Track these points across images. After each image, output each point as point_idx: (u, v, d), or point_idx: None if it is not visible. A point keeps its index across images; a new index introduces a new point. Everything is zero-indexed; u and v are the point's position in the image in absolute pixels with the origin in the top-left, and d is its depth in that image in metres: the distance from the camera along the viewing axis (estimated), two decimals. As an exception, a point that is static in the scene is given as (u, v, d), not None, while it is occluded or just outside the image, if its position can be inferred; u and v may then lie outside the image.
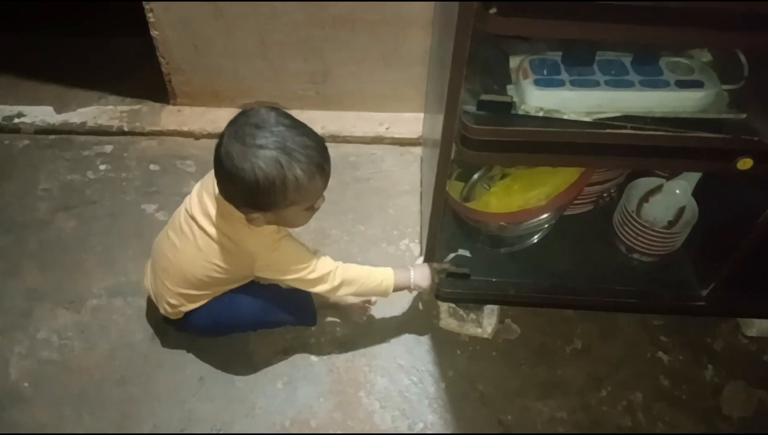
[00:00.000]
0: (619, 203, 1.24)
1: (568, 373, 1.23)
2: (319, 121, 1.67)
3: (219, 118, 1.68)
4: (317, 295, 1.14)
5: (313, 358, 1.24)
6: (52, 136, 1.68)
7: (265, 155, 0.88)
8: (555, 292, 1.21)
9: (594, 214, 1.29)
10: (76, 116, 1.70)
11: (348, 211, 1.51)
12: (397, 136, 1.65)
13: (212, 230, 1.04)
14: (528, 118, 0.89)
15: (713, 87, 0.88)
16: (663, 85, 0.88)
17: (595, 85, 0.88)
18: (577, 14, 0.73)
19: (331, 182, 1.56)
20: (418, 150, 1.65)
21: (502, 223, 1.20)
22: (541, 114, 0.88)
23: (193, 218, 1.06)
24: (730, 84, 0.91)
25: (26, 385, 1.20)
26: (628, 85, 0.88)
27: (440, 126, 0.92)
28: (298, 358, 1.23)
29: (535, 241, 1.24)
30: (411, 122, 1.66)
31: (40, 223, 1.48)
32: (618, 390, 1.21)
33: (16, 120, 1.68)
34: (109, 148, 1.66)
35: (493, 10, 0.73)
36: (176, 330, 1.20)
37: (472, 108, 0.89)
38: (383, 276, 1.12)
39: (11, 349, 1.25)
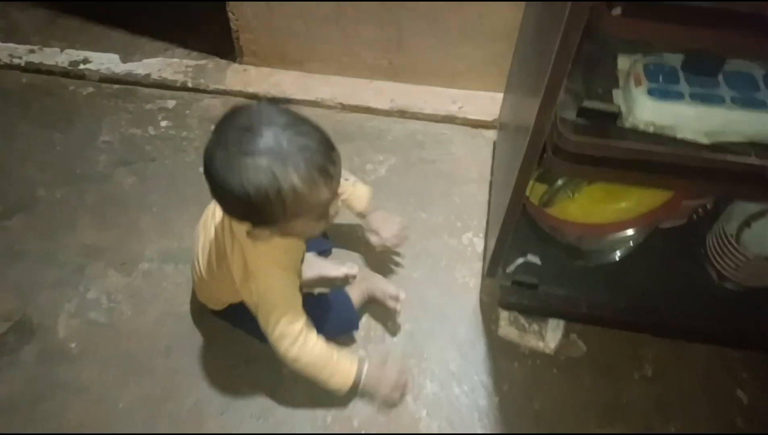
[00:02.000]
0: (716, 224, 1.10)
1: (634, 401, 1.13)
2: (388, 93, 1.58)
3: (284, 81, 1.60)
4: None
5: (361, 352, 1.18)
6: (116, 86, 1.65)
7: (254, 164, 0.74)
8: (631, 313, 1.11)
9: (686, 230, 1.16)
10: (141, 67, 1.66)
11: (410, 195, 1.42)
12: (470, 116, 1.54)
13: (215, 231, 0.97)
14: (634, 132, 0.77)
15: None
16: (804, 108, 0.74)
17: (719, 101, 0.75)
18: (718, 21, 0.60)
19: (395, 161, 1.50)
20: (491, 133, 1.54)
21: (581, 234, 1.09)
22: (651, 129, 0.76)
23: (213, 213, 1.00)
24: None
25: (73, 345, 1.19)
26: (758, 105, 0.75)
27: (528, 119, 0.81)
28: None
29: (617, 258, 1.12)
30: (486, 102, 1.54)
31: (100, 176, 1.46)
32: (686, 426, 1.11)
33: (82, 66, 1.65)
34: (171, 104, 1.61)
35: (617, 11, 0.61)
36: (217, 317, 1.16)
37: (570, 114, 0.78)
38: (341, 375, 0.97)
39: (61, 305, 1.24)
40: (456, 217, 1.38)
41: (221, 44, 1.63)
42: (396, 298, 1.14)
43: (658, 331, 1.15)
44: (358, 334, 1.20)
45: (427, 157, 1.50)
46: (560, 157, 0.79)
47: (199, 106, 1.61)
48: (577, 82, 0.80)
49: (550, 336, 1.18)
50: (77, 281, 1.28)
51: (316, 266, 1.16)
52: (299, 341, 0.92)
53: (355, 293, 1.15)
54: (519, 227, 1.17)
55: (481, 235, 1.35)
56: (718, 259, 1.09)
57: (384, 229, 1.17)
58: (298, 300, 0.94)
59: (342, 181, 1.03)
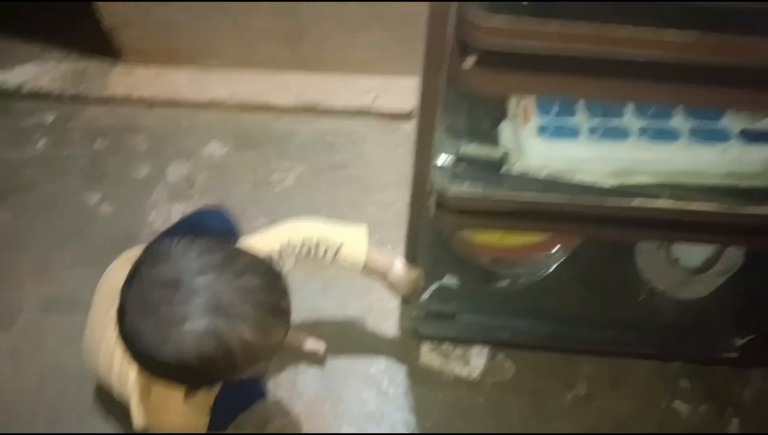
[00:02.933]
0: (645, 232, 0.99)
1: (566, 428, 1.05)
2: (295, 87, 1.42)
3: (177, 81, 1.43)
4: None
5: (269, 402, 1.07)
6: (-11, 100, 1.45)
7: (192, 329, 0.60)
8: (558, 337, 1.01)
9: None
10: (13, 76, 1.46)
11: (319, 208, 1.27)
12: (385, 109, 1.39)
13: None
14: (525, 178, 0.64)
15: (793, 141, 0.62)
16: (721, 137, 0.62)
17: (623, 136, 0.62)
18: (602, 70, 0.47)
19: (302, 168, 1.35)
20: (409, 127, 1.39)
21: (496, 257, 0.98)
22: (544, 174, 0.64)
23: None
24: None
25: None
26: (670, 136, 0.63)
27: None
28: (253, 401, 1.06)
29: (541, 278, 1.02)
30: (404, 90, 1.39)
31: (-27, 213, 1.29)
32: (623, 447, 1.03)
33: (-54, 80, 1.45)
34: (51, 117, 1.43)
35: (468, 63, 0.47)
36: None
37: (450, 160, 0.65)
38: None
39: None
40: (372, 229, 1.23)
41: (101, 44, 1.43)
42: (314, 352, 1.06)
43: (589, 351, 1.05)
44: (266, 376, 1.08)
45: (338, 161, 1.35)
46: (444, 211, 0.66)
47: (82, 118, 1.42)
48: (460, 117, 0.67)
49: (475, 361, 1.08)
50: (-47, 342, 1.13)
51: None
52: None
53: None
54: (433, 246, 1.06)
55: (401, 247, 1.22)
56: (648, 269, 0.99)
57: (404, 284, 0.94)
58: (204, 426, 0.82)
59: (317, 259, 0.83)
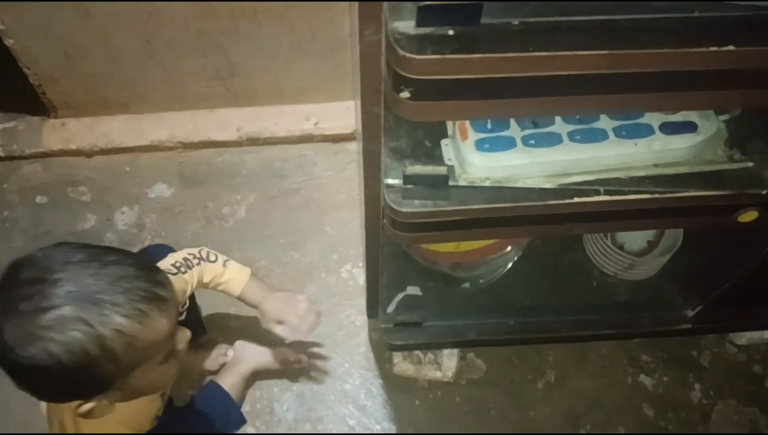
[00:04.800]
0: (589, 220, 1.05)
1: (543, 414, 1.09)
2: (234, 121, 1.42)
3: (112, 129, 1.41)
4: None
5: (250, 430, 1.07)
6: None
7: (57, 319, 0.56)
8: (522, 330, 1.05)
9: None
10: (-63, 143, 1.41)
11: (278, 235, 1.29)
12: (328, 132, 1.41)
13: None
14: (471, 189, 0.68)
15: (709, 126, 0.68)
16: (645, 132, 0.67)
17: (556, 141, 0.66)
18: (531, 88, 0.50)
19: (254, 198, 1.36)
20: (353, 146, 1.42)
21: (455, 262, 1.01)
22: (488, 184, 0.67)
23: None
24: (724, 112, 0.70)
25: None
26: (599, 136, 0.67)
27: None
28: None
29: (499, 277, 1.06)
30: (343, 113, 1.41)
31: None
32: (598, 428, 1.08)
33: None
34: (-16, 181, 1.39)
35: (405, 95, 0.50)
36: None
37: (397, 181, 0.67)
38: None
39: None
40: (331, 250, 1.27)
41: (30, 101, 1.40)
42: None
43: (554, 341, 1.10)
44: (243, 408, 1.08)
45: (289, 186, 1.36)
46: (399, 229, 0.69)
47: (19, 177, 1.39)
48: (401, 139, 0.70)
49: (447, 363, 1.11)
50: None
51: (253, 358, 1.08)
52: None
53: (237, 383, 1.04)
54: (393, 257, 1.08)
55: (361, 264, 1.25)
56: (596, 256, 1.04)
57: (287, 312, 0.93)
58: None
59: (209, 264, 0.89)
